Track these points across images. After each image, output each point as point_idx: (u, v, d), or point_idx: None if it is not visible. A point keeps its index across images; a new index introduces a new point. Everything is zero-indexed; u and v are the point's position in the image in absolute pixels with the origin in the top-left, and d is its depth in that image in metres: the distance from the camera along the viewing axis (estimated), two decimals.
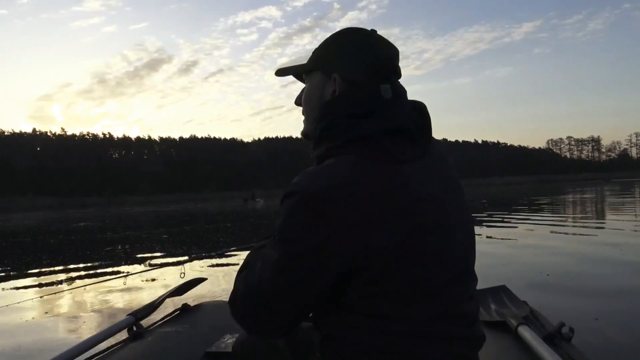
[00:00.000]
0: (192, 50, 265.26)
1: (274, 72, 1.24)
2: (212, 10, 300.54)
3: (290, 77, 1.23)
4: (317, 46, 1.15)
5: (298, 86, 1.22)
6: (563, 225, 11.33)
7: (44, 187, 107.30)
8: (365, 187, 0.92)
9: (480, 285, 1.19)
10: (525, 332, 1.73)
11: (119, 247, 11.40)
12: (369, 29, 1.10)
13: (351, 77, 1.05)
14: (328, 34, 1.14)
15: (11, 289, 6.35)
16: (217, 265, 7.18)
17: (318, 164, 1.01)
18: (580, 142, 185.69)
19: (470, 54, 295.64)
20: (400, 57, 1.11)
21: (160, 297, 2.31)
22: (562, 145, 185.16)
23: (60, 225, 23.31)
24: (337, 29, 1.12)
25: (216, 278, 5.88)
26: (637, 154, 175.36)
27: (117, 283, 6.26)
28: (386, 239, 0.91)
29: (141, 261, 8.43)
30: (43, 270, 7.91)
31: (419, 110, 1.07)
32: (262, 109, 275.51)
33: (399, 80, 1.09)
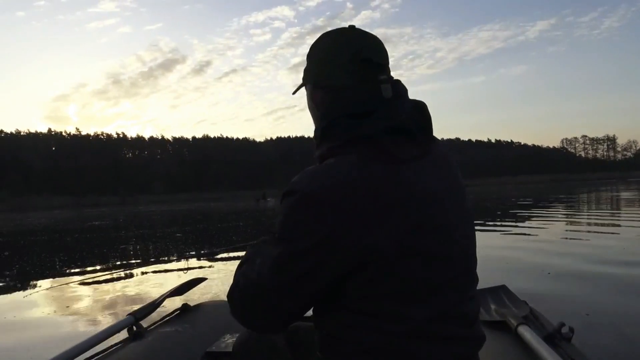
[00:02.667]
0: (206, 51, 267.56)
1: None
2: (225, 11, 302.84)
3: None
4: None
5: None
6: (576, 223, 11.24)
7: (59, 187, 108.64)
8: (364, 186, 0.91)
9: (480, 285, 1.17)
10: (525, 332, 1.71)
11: (133, 246, 11.50)
12: (347, 25, 1.11)
13: (332, 82, 1.06)
14: None
15: (20, 286, 6.43)
16: (218, 265, 7.20)
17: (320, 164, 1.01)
18: (595, 141, 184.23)
19: (484, 53, 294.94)
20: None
21: (160, 297, 2.31)
22: (577, 144, 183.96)
23: (76, 224, 23.56)
24: None
25: (216, 278, 5.88)
26: None
27: (122, 282, 6.31)
28: (385, 238, 0.90)
29: (154, 260, 8.49)
30: (57, 268, 8.00)
31: (420, 110, 1.07)
32: (275, 108, 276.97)
33: (392, 73, 1.10)
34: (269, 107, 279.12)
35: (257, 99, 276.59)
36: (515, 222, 12.46)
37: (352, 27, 1.10)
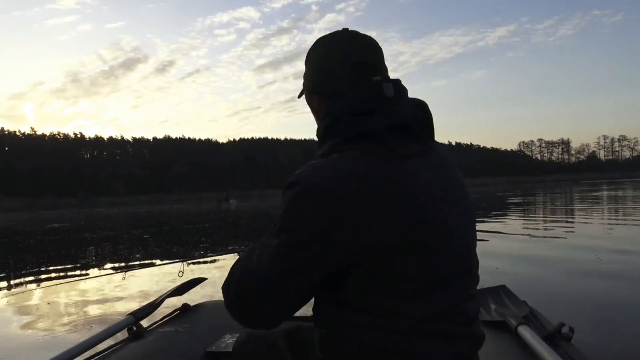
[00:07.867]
0: (169, 50, 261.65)
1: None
2: (189, 11, 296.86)
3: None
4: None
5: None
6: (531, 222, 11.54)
7: (12, 188, 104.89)
8: (367, 180, 0.93)
9: (480, 285, 1.19)
10: (525, 332, 1.73)
11: (102, 248, 11.29)
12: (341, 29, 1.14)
13: (325, 88, 1.10)
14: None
15: (7, 287, 6.27)
16: (217, 265, 7.15)
17: None
18: (550, 144, 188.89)
19: (446, 57, 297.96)
20: None
21: (160, 297, 2.30)
22: (534, 148, 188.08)
23: (35, 226, 22.93)
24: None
25: (216, 278, 5.83)
26: (605, 155, 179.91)
27: (114, 282, 6.21)
28: (385, 233, 0.91)
29: (129, 261, 8.41)
30: (33, 269, 7.83)
31: (421, 108, 1.08)
32: (239, 109, 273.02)
33: (387, 70, 1.13)
34: (233, 108, 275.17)
35: (221, 99, 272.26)
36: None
37: (345, 29, 1.13)
